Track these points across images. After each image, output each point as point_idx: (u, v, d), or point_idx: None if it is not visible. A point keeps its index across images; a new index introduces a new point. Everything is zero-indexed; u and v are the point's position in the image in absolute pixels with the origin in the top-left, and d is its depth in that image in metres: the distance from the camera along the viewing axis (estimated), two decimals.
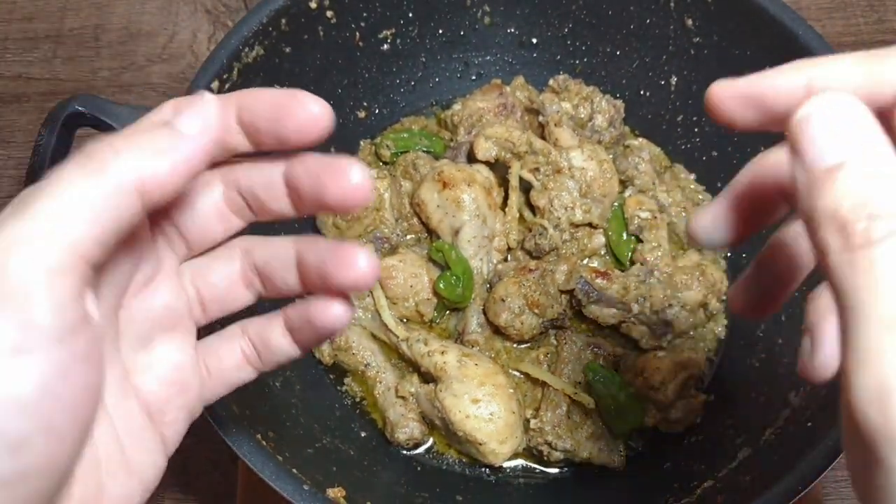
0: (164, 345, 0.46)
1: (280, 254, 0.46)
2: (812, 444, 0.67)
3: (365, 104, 1.01)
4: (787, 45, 0.83)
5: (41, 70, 1.18)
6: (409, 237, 0.95)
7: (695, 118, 0.97)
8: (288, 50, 0.88)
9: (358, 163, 0.41)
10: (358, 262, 0.42)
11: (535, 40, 1.02)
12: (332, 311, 0.44)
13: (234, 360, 0.48)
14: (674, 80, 0.97)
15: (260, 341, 0.47)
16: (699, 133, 0.97)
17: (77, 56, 1.19)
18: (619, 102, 0.98)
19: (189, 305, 0.47)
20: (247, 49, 0.83)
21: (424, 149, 0.99)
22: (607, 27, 0.98)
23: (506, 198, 0.93)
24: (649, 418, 0.85)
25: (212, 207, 0.46)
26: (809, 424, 0.72)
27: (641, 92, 1.00)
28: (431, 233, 0.92)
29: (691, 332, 0.90)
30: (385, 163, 1.00)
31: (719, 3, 0.88)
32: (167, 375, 0.45)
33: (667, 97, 0.99)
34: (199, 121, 0.39)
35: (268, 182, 0.44)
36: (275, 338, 0.47)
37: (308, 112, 0.41)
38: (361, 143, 1.02)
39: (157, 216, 0.44)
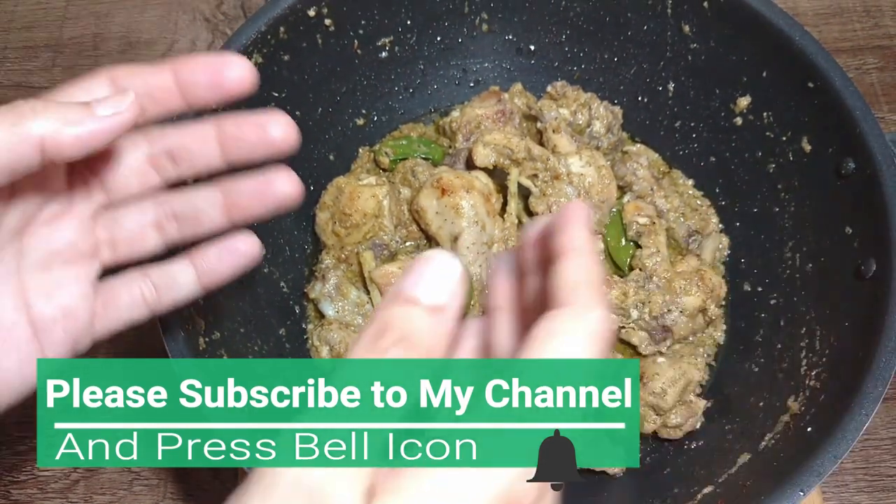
0: (62, 274, 0.52)
1: (202, 195, 0.54)
2: (812, 449, 0.67)
3: (363, 111, 1.01)
4: (783, 51, 0.83)
5: (41, 79, 1.18)
6: (408, 244, 0.95)
7: (692, 124, 0.97)
8: (287, 58, 0.88)
9: (278, 113, 0.53)
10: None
11: (532, 47, 1.02)
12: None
13: (129, 298, 0.55)
14: (671, 86, 0.97)
15: (162, 279, 0.55)
16: (697, 139, 0.97)
17: (76, 65, 1.19)
18: (617, 108, 0.98)
19: (95, 246, 0.53)
20: (245, 57, 0.83)
21: (423, 156, 0.99)
22: (605, 34, 0.98)
23: (504, 204, 0.93)
24: (649, 424, 0.85)
25: (134, 164, 0.53)
26: (809, 430, 0.72)
27: (639, 98, 1.00)
28: (430, 239, 0.92)
29: (690, 338, 0.90)
30: (384, 170, 1.00)
31: (716, 9, 0.89)
32: (59, 300, 0.52)
33: (664, 103, 0.99)
34: (112, 109, 0.45)
35: (199, 136, 0.52)
36: (179, 272, 0.56)
37: (235, 70, 0.50)
38: (360, 150, 1.02)
39: (78, 166, 0.52)
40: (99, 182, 0.53)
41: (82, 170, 0.52)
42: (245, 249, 0.56)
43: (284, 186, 0.54)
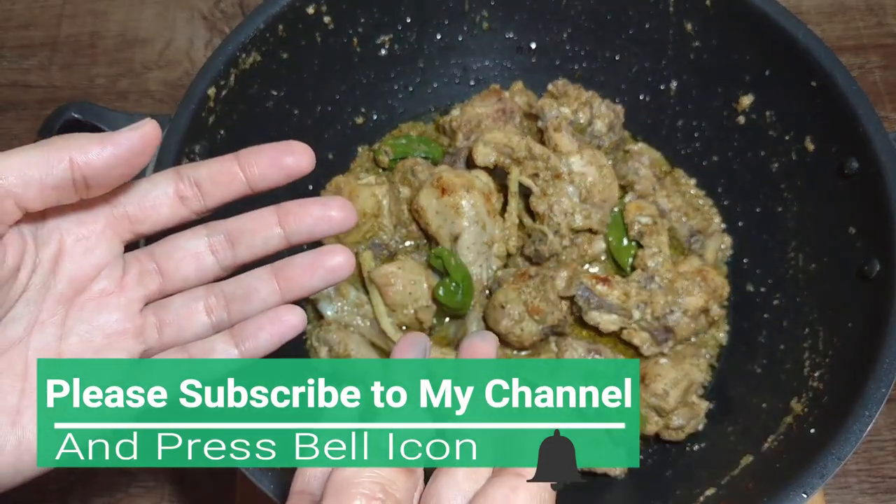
0: (101, 351, 0.51)
1: (253, 273, 0.54)
2: (815, 450, 0.66)
3: (363, 110, 1.01)
4: (786, 49, 0.83)
5: (38, 77, 1.17)
6: (407, 244, 0.94)
7: (695, 123, 0.97)
8: (285, 56, 0.87)
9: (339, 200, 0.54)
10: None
11: (533, 45, 1.02)
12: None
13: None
14: (673, 84, 0.97)
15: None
16: (699, 138, 0.97)
17: (74, 63, 1.18)
18: (619, 107, 0.97)
19: (141, 328, 0.53)
20: (244, 55, 0.82)
21: (423, 155, 0.98)
22: (606, 32, 0.98)
23: (505, 203, 0.92)
24: (651, 426, 0.84)
25: (191, 247, 0.54)
26: (812, 431, 0.72)
27: (641, 97, 1.00)
28: (430, 239, 0.92)
29: (693, 339, 0.90)
30: (383, 169, 1.00)
31: (718, 7, 0.88)
32: None
33: (666, 102, 0.98)
34: (132, 129, 0.48)
35: (258, 217, 0.54)
36: (219, 348, 0.53)
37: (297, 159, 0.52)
38: (359, 149, 1.01)
39: (142, 259, 0.53)
40: (156, 265, 0.54)
41: (143, 259, 0.53)
42: (293, 320, 0.55)
43: (338, 259, 0.54)
